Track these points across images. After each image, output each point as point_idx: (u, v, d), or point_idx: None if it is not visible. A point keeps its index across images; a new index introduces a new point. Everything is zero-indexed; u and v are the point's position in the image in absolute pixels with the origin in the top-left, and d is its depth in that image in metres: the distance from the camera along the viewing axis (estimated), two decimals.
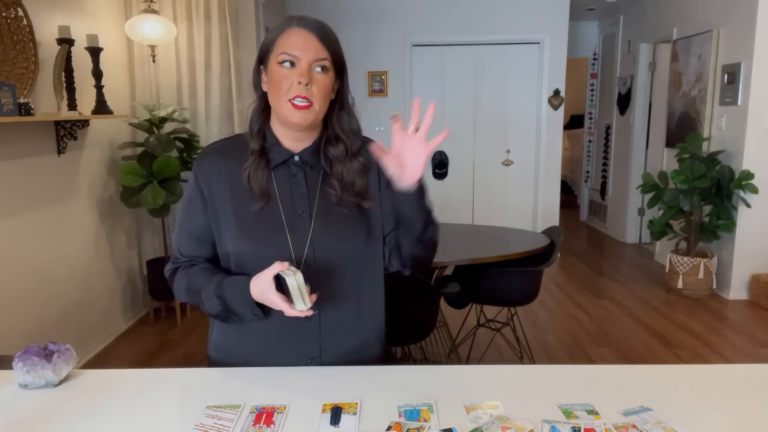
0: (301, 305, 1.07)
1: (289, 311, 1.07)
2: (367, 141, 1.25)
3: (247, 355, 1.25)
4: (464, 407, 1.06)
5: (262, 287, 1.09)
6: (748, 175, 4.05)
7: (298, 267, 1.12)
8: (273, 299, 1.08)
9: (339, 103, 1.22)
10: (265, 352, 1.24)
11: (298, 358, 1.23)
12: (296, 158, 1.22)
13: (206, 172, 1.21)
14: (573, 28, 6.11)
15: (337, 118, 1.22)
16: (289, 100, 1.12)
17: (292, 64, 1.12)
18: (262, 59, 1.18)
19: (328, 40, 1.14)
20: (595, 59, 7.08)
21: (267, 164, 1.20)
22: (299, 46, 1.12)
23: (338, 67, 1.18)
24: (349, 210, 1.22)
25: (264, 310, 1.15)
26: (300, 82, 1.11)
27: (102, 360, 3.29)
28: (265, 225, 1.19)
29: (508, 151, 5.73)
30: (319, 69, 1.13)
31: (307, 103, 1.12)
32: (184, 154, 3.75)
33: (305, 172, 1.23)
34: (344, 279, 1.22)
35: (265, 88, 1.19)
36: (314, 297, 1.09)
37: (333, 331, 1.24)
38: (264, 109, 1.22)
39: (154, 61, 3.76)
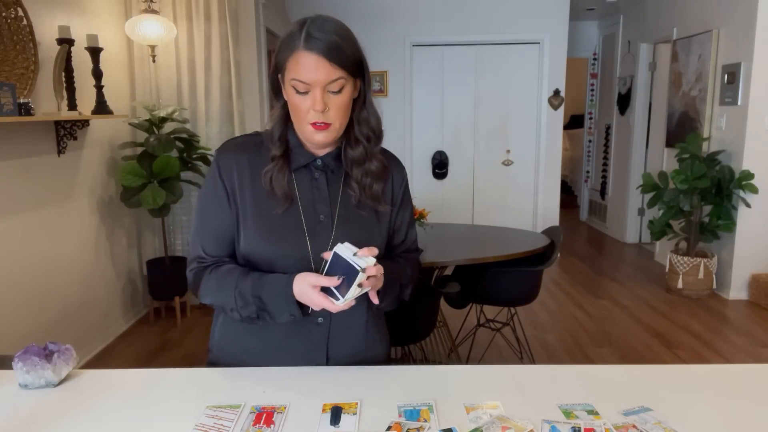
0: (348, 297, 1.05)
1: (334, 308, 1.06)
2: (386, 152, 1.25)
3: (250, 357, 1.23)
4: (464, 407, 1.06)
5: (303, 286, 1.08)
6: (748, 175, 4.05)
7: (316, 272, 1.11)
8: (316, 299, 1.06)
9: (360, 100, 1.18)
10: (269, 354, 1.23)
11: (305, 362, 1.22)
12: (318, 162, 1.21)
13: (228, 166, 1.19)
14: (573, 28, 6.11)
15: (357, 119, 1.19)
16: (308, 123, 1.11)
17: (305, 90, 1.09)
18: (278, 72, 1.14)
19: (339, 57, 1.07)
20: (595, 59, 7.08)
21: (289, 167, 1.19)
22: (310, 72, 1.07)
23: (356, 72, 1.14)
24: (368, 213, 1.22)
25: (302, 309, 1.13)
26: (315, 110, 1.09)
27: (102, 360, 3.29)
28: (285, 229, 1.17)
29: (508, 151, 5.73)
30: (333, 90, 1.10)
31: (325, 125, 1.11)
32: (184, 154, 3.75)
33: (327, 176, 1.22)
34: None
35: (285, 96, 1.16)
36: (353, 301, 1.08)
37: (342, 336, 1.23)
38: (286, 114, 1.18)
39: (154, 61, 3.76)
